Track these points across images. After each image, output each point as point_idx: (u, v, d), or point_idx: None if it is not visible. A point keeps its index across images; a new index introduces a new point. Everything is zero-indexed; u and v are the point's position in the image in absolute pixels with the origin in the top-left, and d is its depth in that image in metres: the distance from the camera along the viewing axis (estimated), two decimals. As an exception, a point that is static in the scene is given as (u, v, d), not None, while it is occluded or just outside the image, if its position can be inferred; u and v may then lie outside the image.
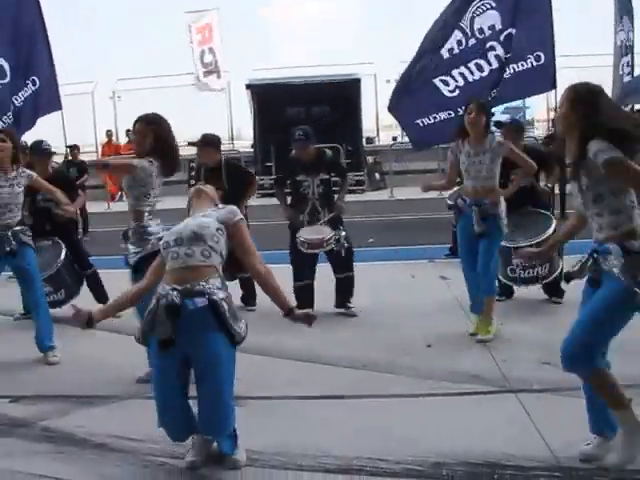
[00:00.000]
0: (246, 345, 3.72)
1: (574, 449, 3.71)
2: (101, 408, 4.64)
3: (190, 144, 7.09)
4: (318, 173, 6.53)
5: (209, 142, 6.84)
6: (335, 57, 20.82)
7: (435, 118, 8.23)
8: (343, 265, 6.56)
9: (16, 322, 6.71)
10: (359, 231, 10.56)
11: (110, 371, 5.18)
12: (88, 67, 19.94)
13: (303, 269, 6.57)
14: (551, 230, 6.46)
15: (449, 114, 8.08)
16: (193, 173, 7.40)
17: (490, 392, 4.64)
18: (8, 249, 5.45)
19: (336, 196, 6.68)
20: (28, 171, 5.70)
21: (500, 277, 6.67)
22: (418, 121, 8.34)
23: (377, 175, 19.21)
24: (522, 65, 8.07)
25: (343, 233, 6.44)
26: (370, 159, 19.36)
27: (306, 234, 6.38)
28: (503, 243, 6.20)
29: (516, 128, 7.02)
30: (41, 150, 6.95)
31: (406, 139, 21.23)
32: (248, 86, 18.76)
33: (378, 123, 21.94)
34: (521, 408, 4.34)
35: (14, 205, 5.53)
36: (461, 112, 6.64)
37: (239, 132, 22.66)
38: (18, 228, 5.56)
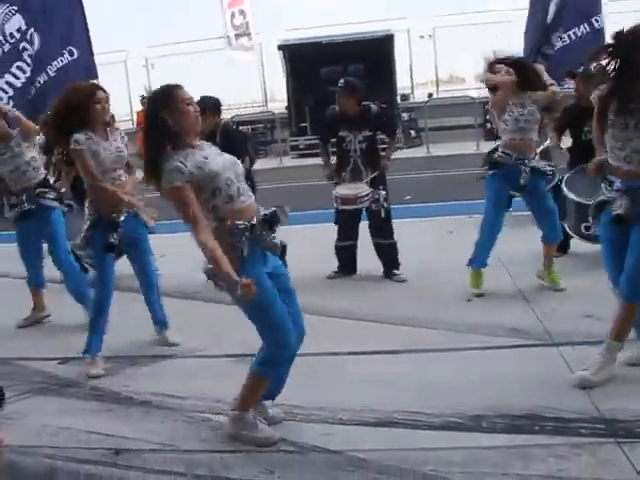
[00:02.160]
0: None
1: (616, 401, 3.69)
2: (146, 367, 4.75)
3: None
4: (361, 129, 6.21)
5: (204, 107, 6.33)
6: (368, 14, 20.36)
7: None
8: (382, 229, 6.33)
9: (62, 285, 6.85)
10: (396, 189, 10.46)
11: (153, 333, 5.27)
12: (120, 36, 19.81)
13: (345, 229, 6.44)
14: None
15: None
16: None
17: (531, 345, 4.62)
18: (24, 210, 5.48)
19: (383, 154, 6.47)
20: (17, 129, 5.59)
21: (572, 234, 6.54)
22: None
23: (412, 132, 19.01)
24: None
25: (383, 192, 6.21)
26: (405, 116, 19.13)
27: (341, 190, 6.21)
28: (578, 199, 6.15)
29: (585, 78, 6.51)
30: None
31: (442, 95, 21.22)
32: (280, 47, 18.59)
33: (412, 80, 21.61)
34: (562, 361, 4.31)
35: (25, 166, 5.50)
36: None
37: (272, 94, 22.51)
38: (37, 190, 5.54)
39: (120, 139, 4.85)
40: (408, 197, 10.58)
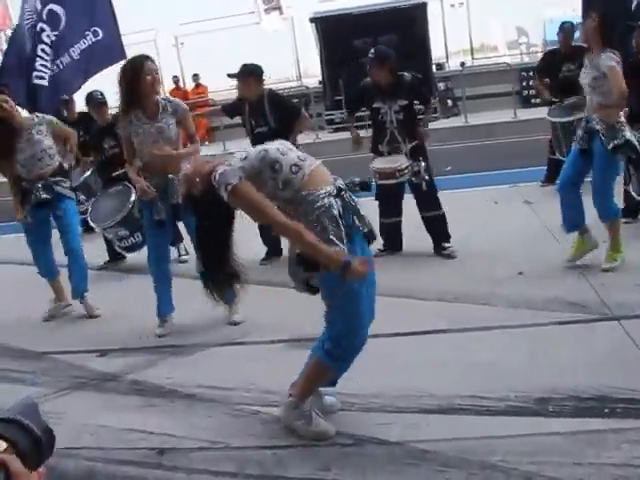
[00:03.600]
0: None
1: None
2: (188, 358, 4.58)
3: (230, 76, 6.36)
4: (395, 99, 5.90)
5: (249, 72, 6.13)
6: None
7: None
8: (427, 201, 6.04)
9: (98, 273, 6.78)
10: (435, 160, 10.20)
11: (194, 320, 5.12)
12: (149, 15, 19.66)
13: (388, 205, 6.18)
14: None
15: None
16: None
17: (591, 320, 4.36)
18: (39, 199, 5.40)
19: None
20: (47, 116, 5.60)
21: (634, 194, 6.12)
22: None
23: (449, 102, 18.62)
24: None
25: (423, 164, 5.87)
26: (441, 86, 18.73)
27: (378, 164, 5.92)
28: None
29: None
30: (94, 99, 6.91)
31: (477, 62, 20.78)
32: (312, 20, 18.30)
33: (447, 49, 21.14)
34: (625, 335, 4.06)
35: (42, 154, 5.42)
36: None
37: (306, 69, 22.22)
38: (52, 179, 5.46)
39: (170, 116, 4.86)
40: (448, 168, 10.29)
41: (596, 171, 5.24)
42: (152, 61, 4.76)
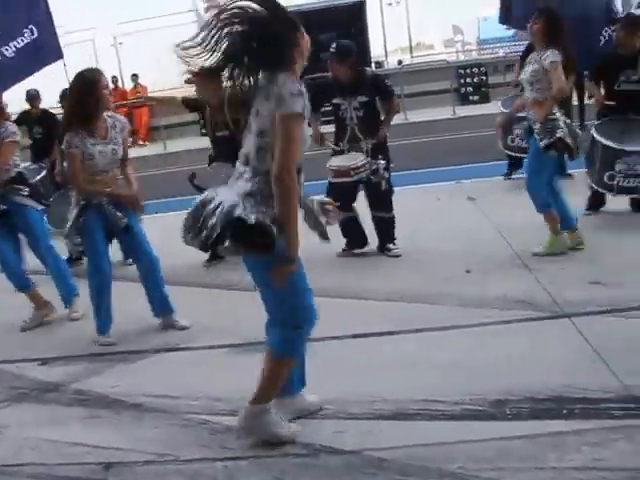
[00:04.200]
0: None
1: (640, 375, 3.45)
2: (134, 365, 4.39)
3: (187, 82, 6.38)
4: (356, 95, 5.75)
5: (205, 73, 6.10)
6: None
7: None
8: (380, 202, 5.95)
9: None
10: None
11: (141, 323, 4.95)
12: (87, 14, 19.21)
13: (341, 203, 6.06)
14: None
15: None
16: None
17: (541, 318, 4.33)
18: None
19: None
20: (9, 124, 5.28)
21: (593, 185, 6.29)
22: None
23: (389, 99, 18.69)
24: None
25: (382, 162, 5.76)
26: (380, 83, 18.80)
27: (335, 162, 5.80)
28: (608, 143, 5.97)
29: (632, 22, 6.31)
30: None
31: (415, 60, 20.91)
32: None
33: (386, 47, 21.25)
34: (577, 333, 4.04)
35: None
36: None
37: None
38: (8, 188, 5.19)
39: (119, 134, 4.70)
40: (392, 165, 10.25)
41: (528, 166, 5.44)
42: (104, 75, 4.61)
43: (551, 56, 5.14)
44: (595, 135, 6.14)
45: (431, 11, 22.66)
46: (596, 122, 6.34)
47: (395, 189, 8.09)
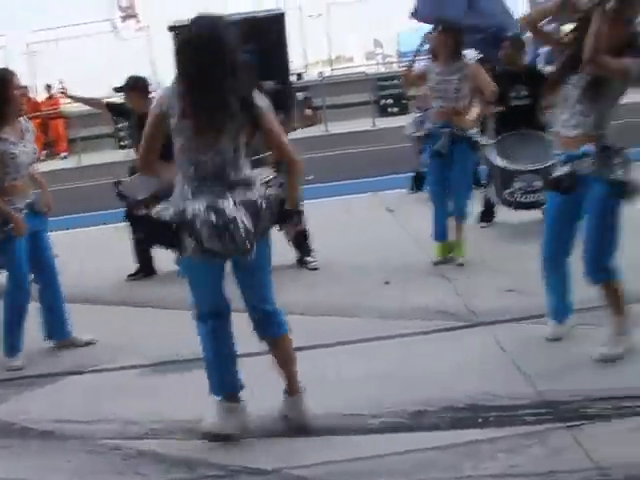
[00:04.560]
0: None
1: (552, 382, 3.54)
2: (44, 389, 4.19)
3: (116, 90, 6.32)
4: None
5: (132, 85, 6.06)
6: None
7: None
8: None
9: None
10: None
11: (48, 345, 4.76)
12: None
13: None
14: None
15: None
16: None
17: (459, 327, 4.40)
18: None
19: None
20: None
21: (493, 201, 6.54)
22: None
23: (308, 111, 18.74)
24: None
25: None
26: (300, 95, 18.82)
27: None
28: (503, 164, 6.15)
29: (515, 43, 6.59)
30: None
31: (335, 72, 21.07)
32: (172, 28, 17.87)
33: (306, 58, 21.34)
34: (493, 341, 4.12)
35: None
36: None
37: (164, 79, 21.69)
38: None
39: (31, 136, 4.54)
40: (310, 177, 10.25)
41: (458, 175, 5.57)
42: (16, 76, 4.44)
43: (470, 63, 5.43)
44: (491, 155, 6.35)
45: (352, 24, 22.83)
46: (492, 140, 6.52)
47: (315, 201, 8.15)
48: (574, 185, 3.69)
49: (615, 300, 3.81)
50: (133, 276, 6.14)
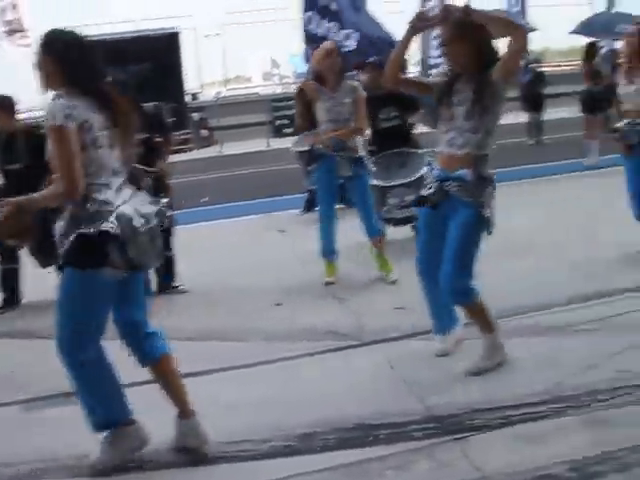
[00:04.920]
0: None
1: (441, 396, 3.61)
2: None
3: None
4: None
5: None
6: (152, 10, 19.62)
7: None
8: (164, 241, 5.82)
9: None
10: (191, 191, 10.14)
11: None
12: None
13: None
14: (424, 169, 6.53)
15: None
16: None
17: (348, 347, 4.42)
18: None
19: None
20: None
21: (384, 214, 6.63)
22: None
23: (204, 132, 18.65)
24: None
25: (164, 200, 5.61)
26: (196, 116, 18.71)
27: None
28: (376, 183, 6.28)
29: (375, 67, 6.69)
30: None
31: (230, 93, 21.05)
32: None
33: (201, 79, 21.26)
34: (383, 359, 4.17)
35: None
36: None
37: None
38: None
39: None
40: (205, 199, 10.22)
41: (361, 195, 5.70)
42: None
43: (358, 87, 5.60)
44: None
45: (250, 45, 22.93)
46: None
47: (208, 223, 8.11)
48: (441, 200, 3.78)
49: (480, 319, 3.93)
50: (2, 309, 5.87)
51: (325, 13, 7.82)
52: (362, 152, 5.69)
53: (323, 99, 5.58)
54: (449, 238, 3.78)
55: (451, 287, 3.80)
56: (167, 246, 5.77)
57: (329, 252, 5.78)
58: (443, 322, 4.14)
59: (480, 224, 3.75)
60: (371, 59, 6.99)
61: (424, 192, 3.87)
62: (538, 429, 3.24)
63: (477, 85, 3.64)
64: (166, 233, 5.68)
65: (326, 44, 5.73)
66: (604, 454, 2.97)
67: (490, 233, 3.80)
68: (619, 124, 5.65)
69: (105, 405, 3.17)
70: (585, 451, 3.00)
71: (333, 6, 7.81)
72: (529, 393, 3.55)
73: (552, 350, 4.08)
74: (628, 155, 5.64)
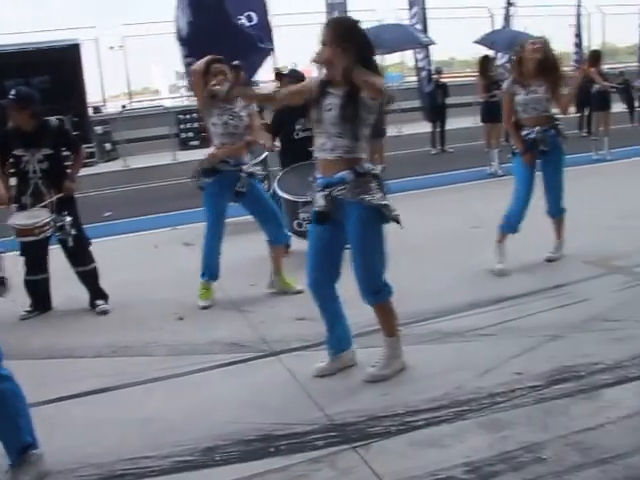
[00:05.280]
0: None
1: (342, 404, 3.65)
2: None
3: None
4: (40, 147, 5.38)
5: None
6: (52, 22, 19.13)
7: None
8: (76, 256, 5.61)
9: None
10: (94, 206, 9.91)
11: None
12: None
13: (33, 261, 5.61)
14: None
15: None
16: None
17: (251, 359, 4.41)
18: None
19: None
20: None
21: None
22: None
23: (108, 145, 18.26)
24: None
25: (68, 219, 5.37)
26: (99, 129, 18.30)
27: (17, 219, 5.28)
28: (289, 197, 6.40)
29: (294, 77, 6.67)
30: None
31: (135, 105, 20.69)
32: None
33: (104, 91, 20.78)
34: (284, 370, 4.19)
35: None
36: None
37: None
38: None
39: None
40: (108, 214, 10.00)
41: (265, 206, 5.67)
42: None
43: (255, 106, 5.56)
44: (277, 189, 6.59)
45: (155, 57, 22.59)
46: (279, 174, 6.78)
47: (113, 238, 7.95)
48: (332, 213, 3.79)
49: (387, 320, 3.98)
50: None
51: None
52: (256, 166, 5.68)
53: (219, 113, 5.43)
54: (351, 244, 3.81)
55: (364, 289, 3.84)
56: (86, 260, 5.67)
57: (211, 274, 5.67)
58: (332, 339, 4.11)
59: (374, 219, 3.74)
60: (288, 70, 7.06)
61: (316, 208, 3.85)
62: (437, 433, 3.32)
63: (346, 92, 3.65)
64: (77, 249, 5.54)
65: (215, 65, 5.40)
66: (500, 454, 3.08)
67: (391, 221, 3.79)
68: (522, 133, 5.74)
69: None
70: (482, 453, 3.10)
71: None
72: (429, 398, 3.63)
73: (453, 355, 4.20)
74: (529, 164, 5.73)
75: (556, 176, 5.81)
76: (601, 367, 3.85)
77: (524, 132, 5.70)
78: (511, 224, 5.78)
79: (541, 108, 5.61)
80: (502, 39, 13.41)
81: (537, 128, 5.64)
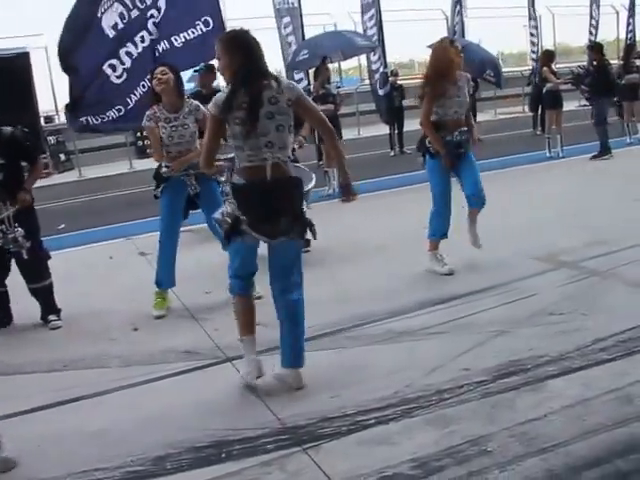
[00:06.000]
0: None
1: (293, 407, 3.70)
2: None
3: None
4: None
5: None
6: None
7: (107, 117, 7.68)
8: (30, 272, 5.54)
9: None
10: (48, 218, 9.78)
11: None
12: None
13: None
14: (312, 184, 6.76)
15: (119, 110, 7.60)
16: None
17: (206, 366, 4.44)
18: None
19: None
20: None
21: None
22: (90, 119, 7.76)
23: (62, 156, 18.03)
24: (192, 33, 7.82)
25: (20, 230, 5.24)
26: (52, 139, 18.05)
27: None
28: None
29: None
30: None
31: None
32: None
33: (56, 100, 20.43)
34: (236, 375, 4.20)
35: None
36: (132, 104, 7.27)
37: None
38: None
39: None
40: (62, 226, 9.90)
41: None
42: None
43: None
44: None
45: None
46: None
47: (67, 250, 7.87)
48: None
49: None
50: None
51: None
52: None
53: (165, 122, 5.43)
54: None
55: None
56: (40, 276, 5.61)
57: (166, 282, 5.68)
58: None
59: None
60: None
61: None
62: (386, 432, 3.39)
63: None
64: (32, 264, 5.47)
65: (157, 70, 5.47)
66: (447, 449, 3.16)
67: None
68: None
69: None
70: (429, 448, 3.17)
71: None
72: (379, 398, 3.70)
73: (404, 354, 4.27)
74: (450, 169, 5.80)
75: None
76: (546, 360, 3.96)
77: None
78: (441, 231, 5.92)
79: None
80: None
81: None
